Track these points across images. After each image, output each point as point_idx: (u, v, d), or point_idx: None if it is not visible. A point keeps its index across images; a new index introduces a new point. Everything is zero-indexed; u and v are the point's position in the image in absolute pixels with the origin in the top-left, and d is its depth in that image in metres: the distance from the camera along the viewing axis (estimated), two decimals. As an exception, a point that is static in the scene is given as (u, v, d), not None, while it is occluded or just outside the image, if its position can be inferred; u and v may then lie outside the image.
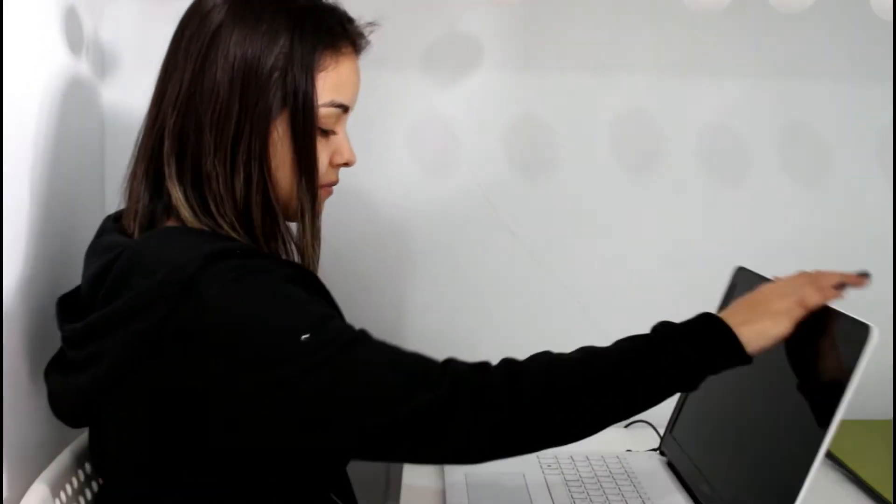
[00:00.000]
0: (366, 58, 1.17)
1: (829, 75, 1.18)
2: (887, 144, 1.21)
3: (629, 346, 0.75)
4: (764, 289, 0.78)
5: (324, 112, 0.78)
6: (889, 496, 0.97)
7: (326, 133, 0.80)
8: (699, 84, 1.18)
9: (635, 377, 0.73)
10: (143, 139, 0.79)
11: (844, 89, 1.19)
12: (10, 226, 0.81)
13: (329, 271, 1.20)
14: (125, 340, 0.68)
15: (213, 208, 0.75)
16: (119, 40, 1.10)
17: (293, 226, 0.81)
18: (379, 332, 1.19)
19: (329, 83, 0.78)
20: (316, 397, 0.66)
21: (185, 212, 0.75)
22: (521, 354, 1.22)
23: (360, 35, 0.84)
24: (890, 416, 1.21)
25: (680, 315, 1.19)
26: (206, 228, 0.75)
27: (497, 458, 0.71)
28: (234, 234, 0.76)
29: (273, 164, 0.77)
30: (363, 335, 0.71)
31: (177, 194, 0.75)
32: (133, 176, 0.79)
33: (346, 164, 0.84)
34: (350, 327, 0.71)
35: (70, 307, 0.78)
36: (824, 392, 0.71)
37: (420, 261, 1.20)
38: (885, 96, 1.19)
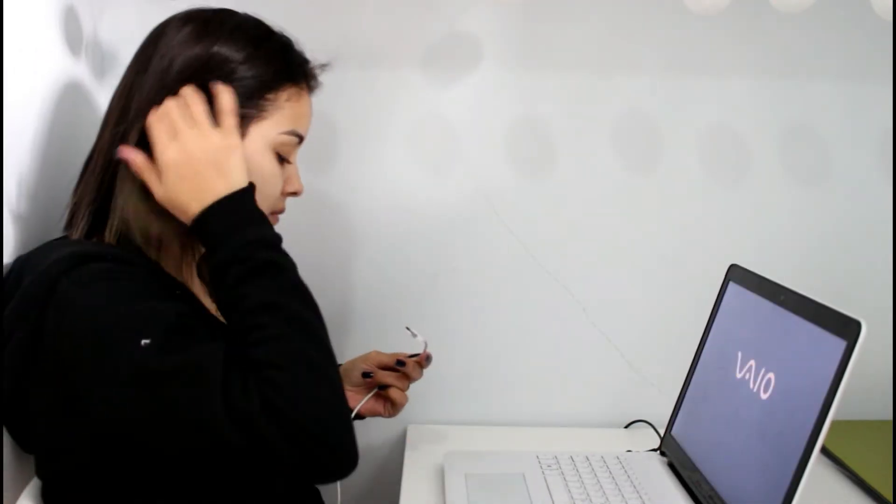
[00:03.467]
0: (366, 58, 1.18)
1: (829, 75, 1.18)
2: (887, 144, 1.21)
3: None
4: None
5: (284, 139, 0.81)
6: (889, 496, 0.97)
7: (283, 161, 0.83)
8: (699, 84, 1.18)
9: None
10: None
11: (844, 89, 1.19)
12: (9, 226, 0.81)
13: (328, 271, 1.20)
14: (13, 350, 0.70)
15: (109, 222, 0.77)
16: (119, 40, 1.10)
17: None
18: (377, 331, 1.20)
19: (289, 113, 0.81)
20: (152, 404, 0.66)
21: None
22: (521, 354, 1.23)
23: (315, 77, 0.86)
24: (890, 416, 1.21)
25: (680, 315, 1.19)
26: (95, 240, 0.78)
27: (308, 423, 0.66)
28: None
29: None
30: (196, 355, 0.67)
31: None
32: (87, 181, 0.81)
33: (295, 194, 0.86)
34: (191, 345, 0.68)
35: None
36: (818, 390, 0.71)
37: (419, 261, 1.20)
38: (885, 96, 1.19)
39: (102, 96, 1.10)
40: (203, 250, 0.78)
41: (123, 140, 0.77)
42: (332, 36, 1.12)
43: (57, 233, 0.91)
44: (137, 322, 0.67)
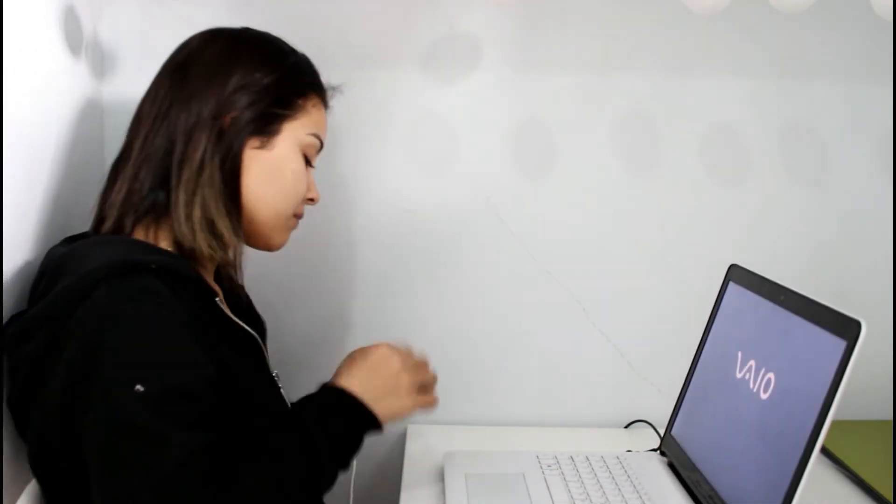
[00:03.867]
0: (366, 58, 1.18)
1: (829, 75, 1.18)
2: (887, 144, 1.21)
3: (286, 445, 0.75)
4: (385, 358, 0.88)
5: (310, 141, 0.87)
6: (889, 496, 0.97)
7: (307, 163, 0.89)
8: (699, 84, 1.18)
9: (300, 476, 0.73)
10: (143, 139, 0.83)
11: (844, 89, 1.19)
12: (9, 226, 0.81)
13: (329, 271, 1.20)
14: (32, 352, 0.70)
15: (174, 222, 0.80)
16: (119, 40, 1.10)
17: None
18: (378, 332, 1.20)
19: (314, 118, 0.88)
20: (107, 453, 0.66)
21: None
22: (521, 354, 1.23)
23: (329, 95, 0.93)
24: (890, 416, 1.21)
25: (680, 315, 1.19)
26: (144, 239, 0.80)
27: None
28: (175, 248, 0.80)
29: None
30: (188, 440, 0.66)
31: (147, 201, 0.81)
32: (133, 174, 0.82)
33: (312, 201, 0.91)
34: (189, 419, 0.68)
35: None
36: (818, 390, 0.71)
37: (419, 261, 1.20)
38: (885, 96, 1.19)
39: (102, 96, 1.11)
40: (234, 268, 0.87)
41: (188, 144, 0.81)
42: (333, 36, 1.12)
43: (57, 232, 0.91)
44: (145, 370, 0.67)
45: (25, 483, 0.80)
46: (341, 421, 0.79)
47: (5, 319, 0.79)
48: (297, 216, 0.90)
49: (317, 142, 0.89)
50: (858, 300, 1.15)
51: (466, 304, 1.21)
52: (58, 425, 0.69)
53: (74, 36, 0.98)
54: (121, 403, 0.65)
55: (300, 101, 0.86)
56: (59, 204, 0.94)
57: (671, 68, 1.17)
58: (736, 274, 0.97)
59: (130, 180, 0.81)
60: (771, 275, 0.89)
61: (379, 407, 0.82)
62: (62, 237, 0.87)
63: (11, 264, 0.81)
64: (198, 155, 0.80)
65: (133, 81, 1.10)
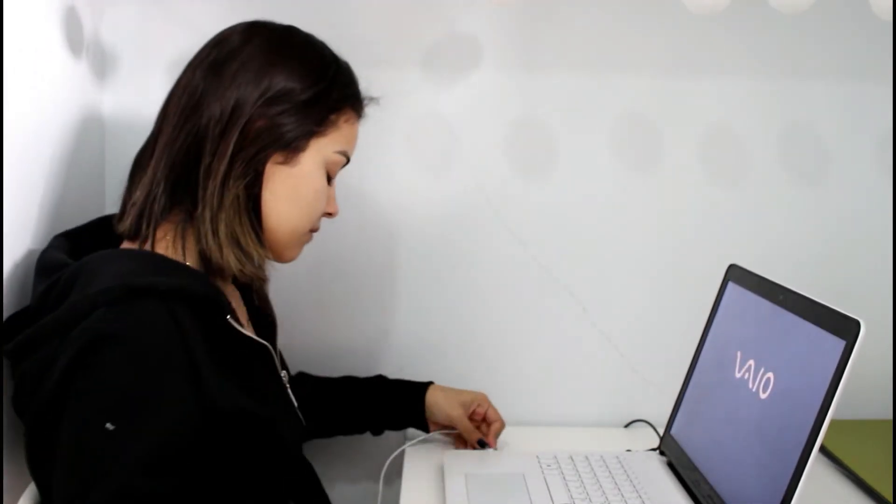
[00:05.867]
0: (366, 57, 1.18)
1: (829, 75, 1.18)
2: (887, 144, 1.21)
3: None
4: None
5: (335, 158, 0.84)
6: (889, 496, 0.97)
7: (329, 179, 0.86)
8: (699, 84, 1.18)
9: None
10: (166, 142, 0.79)
11: (844, 89, 1.19)
12: (9, 226, 0.81)
13: (327, 271, 1.20)
14: (38, 364, 0.69)
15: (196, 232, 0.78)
16: (119, 40, 1.10)
17: None
18: (378, 332, 1.20)
19: (345, 134, 0.85)
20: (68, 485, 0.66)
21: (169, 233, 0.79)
22: (521, 354, 1.23)
23: (365, 107, 0.90)
24: (890, 416, 1.21)
25: (680, 315, 1.19)
26: (166, 249, 0.78)
27: None
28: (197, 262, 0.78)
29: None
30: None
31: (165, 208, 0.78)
32: (152, 177, 0.79)
33: (330, 215, 0.89)
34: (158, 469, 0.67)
35: (18, 326, 0.77)
36: (818, 390, 0.72)
37: (419, 261, 1.20)
38: (885, 96, 1.19)
39: (102, 96, 1.11)
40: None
41: (214, 154, 0.77)
42: (332, 36, 1.11)
43: (57, 232, 0.91)
44: (119, 409, 0.66)
45: (26, 484, 0.80)
46: None
47: (7, 316, 0.79)
48: (314, 230, 0.88)
49: (343, 159, 0.86)
50: (858, 300, 1.15)
51: (466, 304, 1.21)
52: (46, 434, 0.69)
53: (75, 36, 0.98)
54: (90, 436, 0.65)
55: (332, 117, 0.83)
56: (60, 203, 0.94)
57: (671, 68, 1.17)
58: (735, 274, 0.97)
59: (149, 183, 0.78)
60: (770, 275, 0.89)
61: None
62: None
63: (11, 264, 0.82)
64: (223, 167, 0.77)
65: (134, 82, 1.11)
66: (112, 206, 1.11)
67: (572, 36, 1.15)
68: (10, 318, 0.78)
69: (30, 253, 0.85)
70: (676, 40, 1.16)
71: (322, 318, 1.20)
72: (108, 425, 0.65)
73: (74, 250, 0.82)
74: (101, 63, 1.10)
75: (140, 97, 1.11)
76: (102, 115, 1.11)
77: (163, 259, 0.77)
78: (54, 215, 0.92)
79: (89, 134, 1.06)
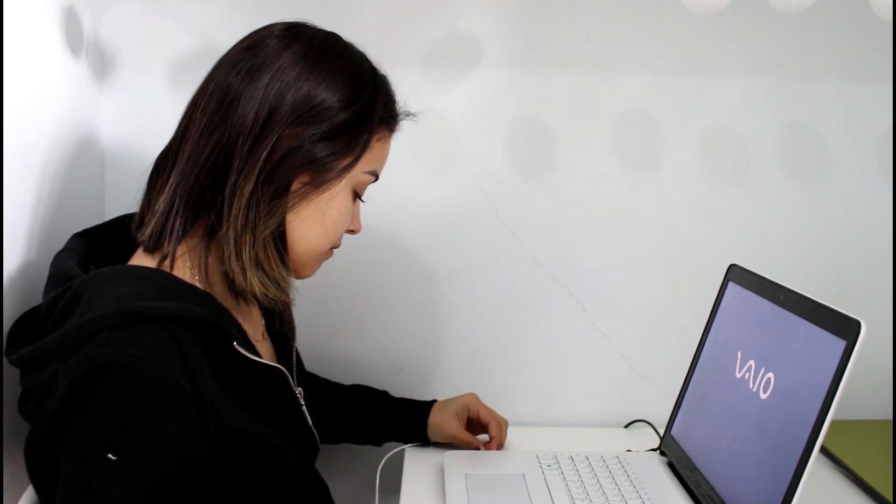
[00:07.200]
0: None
1: (829, 75, 1.18)
2: (887, 144, 1.21)
3: None
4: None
5: (364, 178, 0.81)
6: (889, 496, 0.97)
7: (356, 198, 0.83)
8: (699, 84, 1.18)
9: None
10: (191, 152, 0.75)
11: (844, 89, 1.19)
12: (9, 226, 0.81)
13: (328, 271, 1.20)
14: (43, 380, 0.69)
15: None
16: (119, 40, 1.10)
17: None
18: (377, 332, 1.20)
19: (376, 154, 0.81)
20: None
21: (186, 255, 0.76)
22: (521, 354, 1.23)
23: (399, 122, 0.86)
24: (890, 416, 1.21)
25: (680, 315, 1.19)
26: (187, 267, 0.76)
27: None
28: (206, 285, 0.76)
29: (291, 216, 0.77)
30: None
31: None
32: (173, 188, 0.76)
33: (353, 232, 0.86)
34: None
35: (28, 327, 0.77)
36: (818, 390, 0.72)
37: (419, 261, 1.20)
38: (885, 96, 1.19)
39: (102, 96, 1.11)
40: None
41: (249, 159, 0.73)
42: (332, 36, 1.12)
43: (59, 233, 0.91)
44: (121, 439, 0.65)
45: (26, 484, 0.79)
46: None
47: (12, 320, 0.79)
48: (335, 247, 0.84)
49: (372, 178, 0.82)
50: (858, 300, 1.15)
51: (466, 304, 1.21)
52: (45, 453, 0.69)
53: (75, 36, 0.98)
54: (91, 465, 0.65)
55: (366, 137, 0.78)
56: (59, 203, 0.94)
57: (671, 68, 1.17)
58: (735, 274, 0.97)
59: (172, 195, 0.75)
60: (771, 275, 0.89)
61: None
62: (61, 237, 0.85)
63: (11, 264, 0.82)
64: (248, 187, 0.73)
65: (133, 82, 1.11)
66: (112, 206, 1.12)
67: (572, 36, 1.15)
68: (21, 317, 0.78)
69: (27, 255, 0.85)
70: (676, 40, 1.16)
71: (322, 317, 1.20)
72: (110, 455, 0.64)
73: (89, 252, 0.81)
74: (101, 63, 1.10)
75: (139, 97, 1.11)
76: (102, 114, 1.11)
77: (168, 281, 0.74)
78: (53, 214, 0.92)
79: (88, 133, 1.06)
